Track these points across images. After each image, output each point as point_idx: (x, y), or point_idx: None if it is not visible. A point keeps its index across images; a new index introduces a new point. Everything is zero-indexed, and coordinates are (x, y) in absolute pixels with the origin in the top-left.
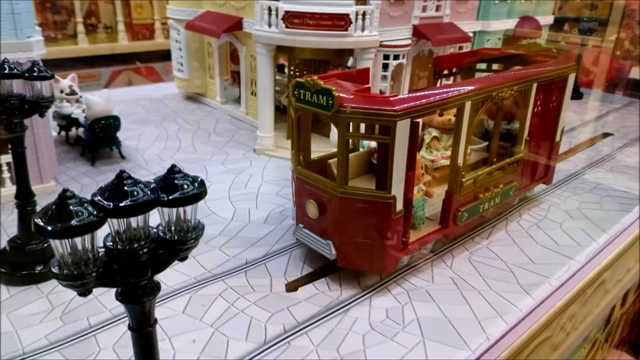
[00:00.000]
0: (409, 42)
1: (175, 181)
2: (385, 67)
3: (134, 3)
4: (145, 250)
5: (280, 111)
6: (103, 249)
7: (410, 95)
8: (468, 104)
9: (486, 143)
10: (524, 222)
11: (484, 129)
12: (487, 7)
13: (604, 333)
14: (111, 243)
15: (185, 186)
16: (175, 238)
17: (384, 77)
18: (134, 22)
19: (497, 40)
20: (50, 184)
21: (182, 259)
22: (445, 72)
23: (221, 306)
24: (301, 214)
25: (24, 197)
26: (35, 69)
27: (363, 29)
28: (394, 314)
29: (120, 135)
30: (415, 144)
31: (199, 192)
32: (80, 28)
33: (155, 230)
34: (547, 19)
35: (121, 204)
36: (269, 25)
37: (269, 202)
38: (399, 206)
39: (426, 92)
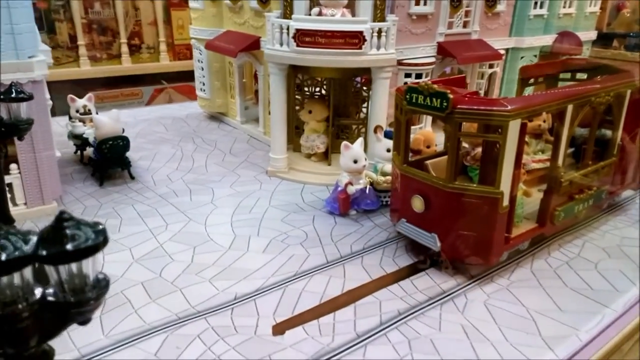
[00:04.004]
0: (432, 60)
1: (66, 230)
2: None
3: (176, 24)
4: (26, 314)
5: (297, 129)
6: None
7: (519, 98)
8: (570, 108)
9: (572, 149)
10: (552, 260)
11: None
12: (521, 22)
13: None
14: None
15: (77, 237)
16: (70, 299)
17: None
18: (175, 43)
19: (533, 57)
20: (52, 205)
21: (83, 323)
22: (531, 80)
23: (197, 349)
24: (405, 209)
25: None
26: (12, 90)
27: (379, 47)
28: None
29: (135, 154)
30: (522, 143)
31: (94, 244)
32: (124, 48)
33: (41, 290)
34: (589, 35)
35: None
36: (281, 44)
37: (272, 229)
38: (506, 202)
39: (532, 96)
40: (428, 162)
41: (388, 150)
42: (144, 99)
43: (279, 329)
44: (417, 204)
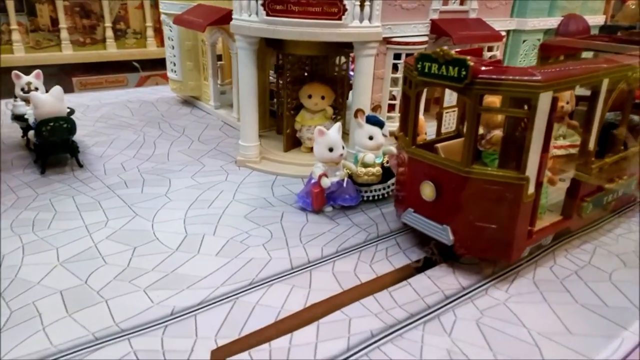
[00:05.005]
0: (425, 39)
1: None
2: (396, 68)
3: None
4: None
5: (274, 117)
6: None
7: (550, 68)
8: (605, 82)
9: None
10: (559, 268)
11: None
12: (524, 3)
13: None
14: None
15: None
16: None
17: (395, 81)
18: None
19: (537, 41)
20: None
21: None
22: (551, 60)
23: None
24: (413, 197)
25: None
26: None
27: (362, 19)
28: None
29: (90, 140)
30: (552, 122)
31: None
32: (109, 33)
33: None
34: (596, 19)
35: None
36: (249, 13)
37: (232, 227)
38: (531, 189)
39: (565, 66)
40: (439, 145)
41: (370, 138)
42: (129, 86)
43: (220, 354)
44: (427, 191)
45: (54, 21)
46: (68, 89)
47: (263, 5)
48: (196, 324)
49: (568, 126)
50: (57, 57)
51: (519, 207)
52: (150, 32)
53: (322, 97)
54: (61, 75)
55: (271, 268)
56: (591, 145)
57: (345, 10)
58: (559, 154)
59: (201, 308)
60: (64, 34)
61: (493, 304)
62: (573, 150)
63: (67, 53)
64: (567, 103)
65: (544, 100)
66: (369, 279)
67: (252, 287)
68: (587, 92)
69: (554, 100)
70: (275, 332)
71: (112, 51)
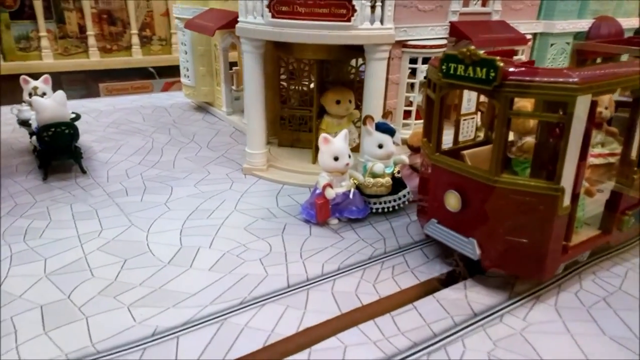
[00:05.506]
0: (444, 42)
1: None
2: (412, 72)
3: None
4: None
5: (285, 122)
6: None
7: (588, 69)
8: None
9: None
10: (585, 294)
11: None
12: (552, 4)
13: None
14: None
15: None
16: None
17: (412, 86)
18: None
19: (565, 44)
20: None
21: None
22: (588, 62)
23: None
24: (436, 207)
25: None
26: None
27: (373, 21)
28: None
29: (98, 145)
30: (590, 128)
31: None
32: (135, 40)
33: None
34: (630, 22)
35: None
36: (254, 15)
37: (230, 240)
38: (567, 201)
39: (604, 68)
40: (465, 152)
41: (380, 146)
42: (154, 91)
43: None
44: (452, 201)
45: (82, 28)
46: (95, 94)
47: (268, 6)
48: (177, 347)
49: (606, 133)
50: (85, 63)
51: (552, 220)
52: (174, 39)
53: (350, 101)
54: (88, 82)
55: (266, 286)
56: (634, 154)
57: (355, 11)
58: (597, 163)
59: (185, 329)
60: (91, 41)
61: (508, 333)
62: (612, 159)
63: (94, 59)
64: (606, 108)
65: (582, 105)
66: (370, 300)
67: (243, 307)
68: (625, 97)
69: (593, 105)
70: (262, 359)
71: (137, 57)
